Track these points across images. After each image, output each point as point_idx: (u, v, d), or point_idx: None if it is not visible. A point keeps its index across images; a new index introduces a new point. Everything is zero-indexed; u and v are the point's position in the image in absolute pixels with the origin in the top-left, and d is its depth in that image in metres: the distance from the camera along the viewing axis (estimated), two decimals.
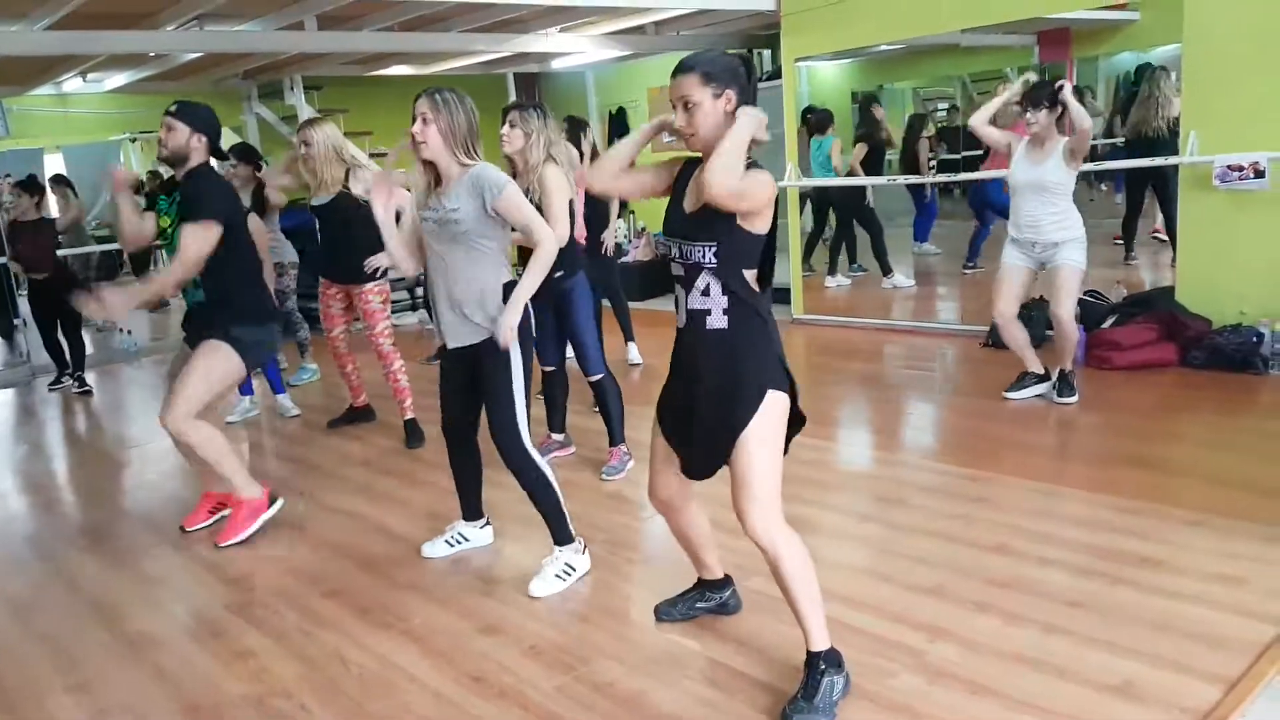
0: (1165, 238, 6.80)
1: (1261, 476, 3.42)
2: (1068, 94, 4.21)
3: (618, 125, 9.56)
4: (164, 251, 3.64)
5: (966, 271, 7.71)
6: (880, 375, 5.61)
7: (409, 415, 4.74)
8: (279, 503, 3.68)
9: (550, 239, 2.86)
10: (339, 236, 4.63)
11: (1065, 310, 4.36)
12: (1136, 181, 6.68)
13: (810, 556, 2.26)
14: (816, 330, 6.70)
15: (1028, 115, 4.30)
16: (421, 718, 2.35)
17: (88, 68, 7.10)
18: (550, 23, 7.01)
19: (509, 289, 2.90)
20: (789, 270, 6.92)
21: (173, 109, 3.40)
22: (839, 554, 3.11)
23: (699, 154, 2.27)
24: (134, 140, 14.26)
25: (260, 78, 8.43)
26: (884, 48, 7.24)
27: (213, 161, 3.50)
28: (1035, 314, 5.31)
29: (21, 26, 5.52)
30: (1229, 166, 4.80)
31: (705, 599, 2.74)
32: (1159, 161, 5.58)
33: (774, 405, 2.24)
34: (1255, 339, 4.68)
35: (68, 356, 6.63)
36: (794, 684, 2.33)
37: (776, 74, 7.34)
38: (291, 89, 8.07)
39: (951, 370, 5.43)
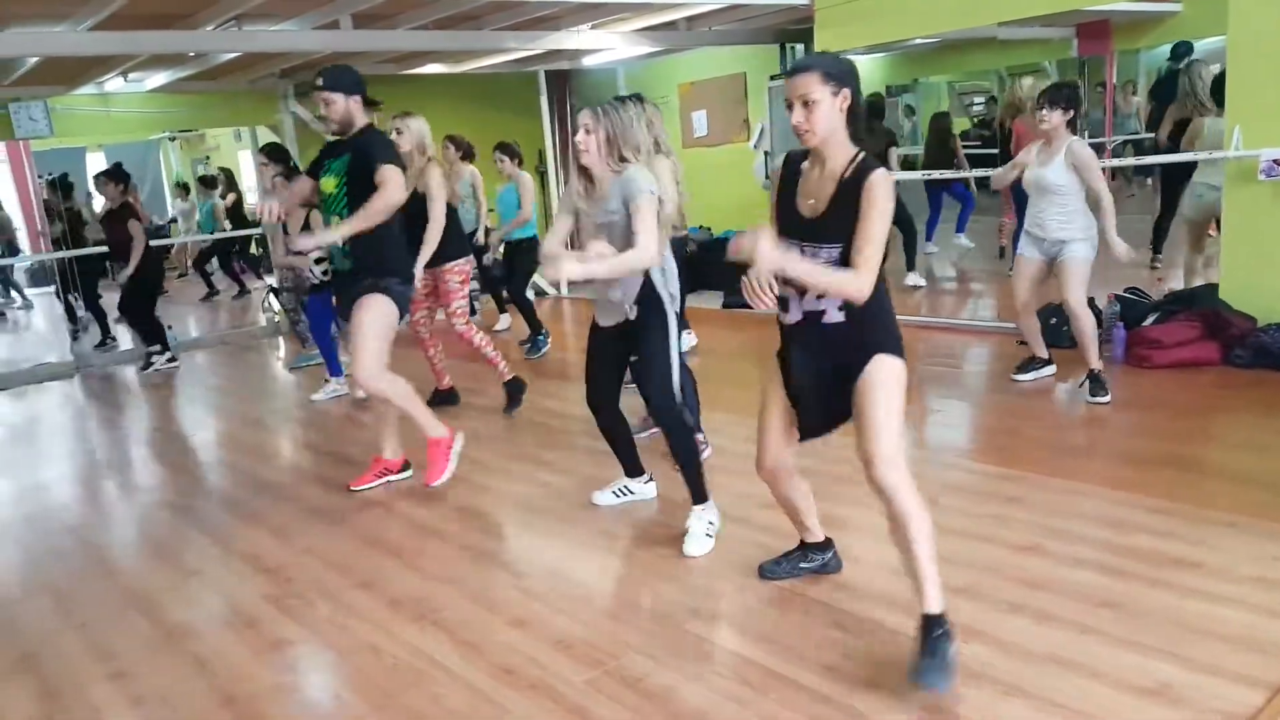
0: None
1: None
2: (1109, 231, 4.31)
3: None
4: (325, 215, 3.80)
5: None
6: (913, 373, 5.55)
7: (507, 377, 5.08)
8: (461, 436, 3.93)
9: (648, 258, 3.00)
10: (420, 225, 4.79)
11: (1075, 297, 4.37)
12: (1171, 182, 6.52)
13: (930, 520, 2.32)
14: None
15: (1041, 113, 4.32)
16: (452, 709, 2.38)
17: (129, 67, 7.23)
18: (582, 20, 7.03)
19: (661, 269, 3.14)
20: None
21: (319, 82, 3.58)
22: (871, 554, 3.08)
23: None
24: (173, 139, 14.52)
25: (296, 76, 8.52)
26: (919, 41, 7.17)
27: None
28: (1055, 320, 5.25)
29: (65, 27, 5.64)
30: (1275, 160, 4.69)
31: (808, 559, 2.90)
32: (1203, 156, 5.47)
33: (889, 364, 2.37)
34: None
35: (139, 336, 7.16)
36: (826, 684, 2.32)
37: None
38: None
39: (986, 368, 5.36)
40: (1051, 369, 4.81)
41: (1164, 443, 3.89)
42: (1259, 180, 4.76)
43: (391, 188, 3.51)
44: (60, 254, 8.41)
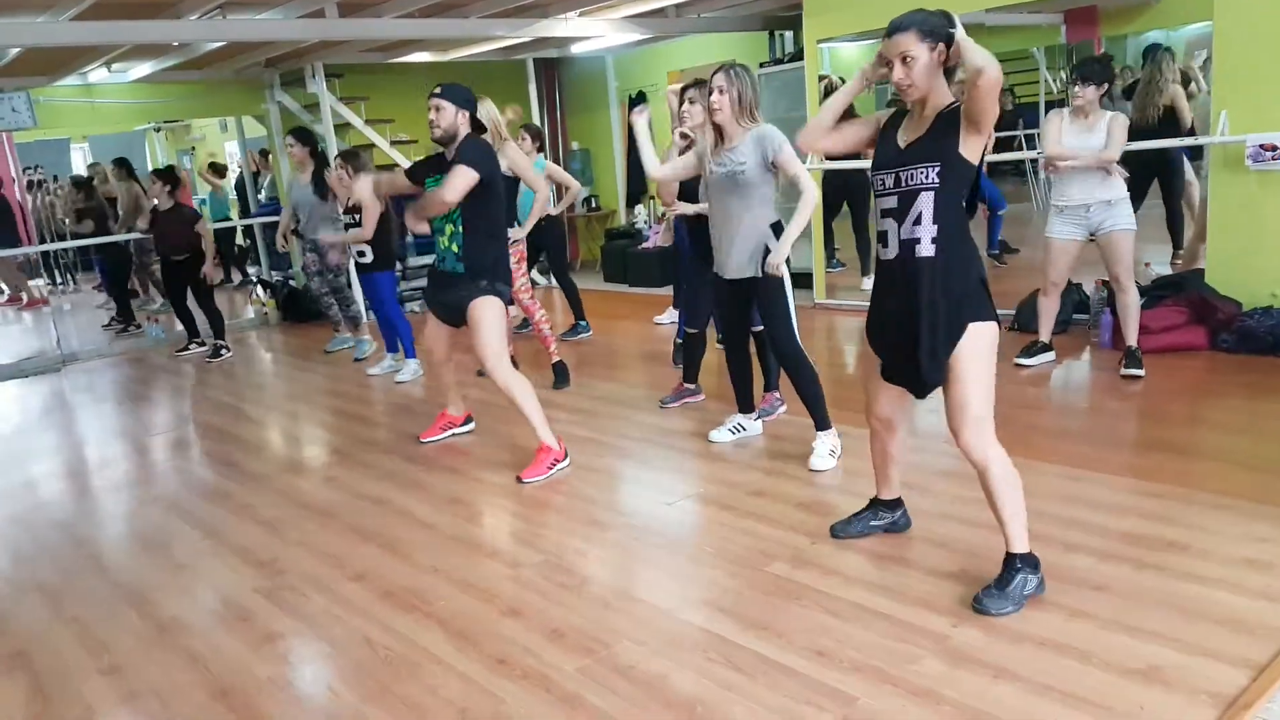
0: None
1: None
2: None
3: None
4: (436, 224, 3.93)
5: (1000, 265, 7.55)
6: None
7: (556, 359, 5.35)
8: (568, 460, 3.99)
9: (813, 193, 3.53)
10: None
11: (1126, 276, 4.49)
12: (1139, 172, 6.50)
13: (1018, 476, 2.54)
14: (838, 316, 6.67)
15: (1075, 89, 4.43)
16: (447, 699, 2.38)
17: (112, 58, 7.16)
18: (570, 7, 6.99)
19: (777, 228, 3.58)
20: (810, 255, 6.88)
21: (438, 90, 3.76)
22: (863, 541, 3.10)
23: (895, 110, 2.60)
24: (158, 130, 14.41)
25: (282, 66, 8.47)
26: None
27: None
28: (1062, 298, 5.25)
29: (47, 18, 5.58)
30: (1262, 146, 4.71)
31: (878, 517, 3.05)
32: (1189, 141, 5.48)
33: (981, 333, 2.48)
34: None
35: (200, 325, 7.30)
36: (817, 669, 2.34)
37: (799, 55, 7.28)
38: (313, 76, 8.11)
39: None
40: (1051, 355, 4.88)
41: (1153, 427, 3.92)
42: (1245, 165, 4.78)
43: (449, 185, 3.65)
44: (78, 243, 8.39)
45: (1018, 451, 3.64)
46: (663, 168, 3.80)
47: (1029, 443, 3.79)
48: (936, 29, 2.40)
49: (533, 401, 3.89)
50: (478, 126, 3.87)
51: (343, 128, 8.64)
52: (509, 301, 3.98)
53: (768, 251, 3.56)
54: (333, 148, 8.10)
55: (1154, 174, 6.44)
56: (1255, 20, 4.70)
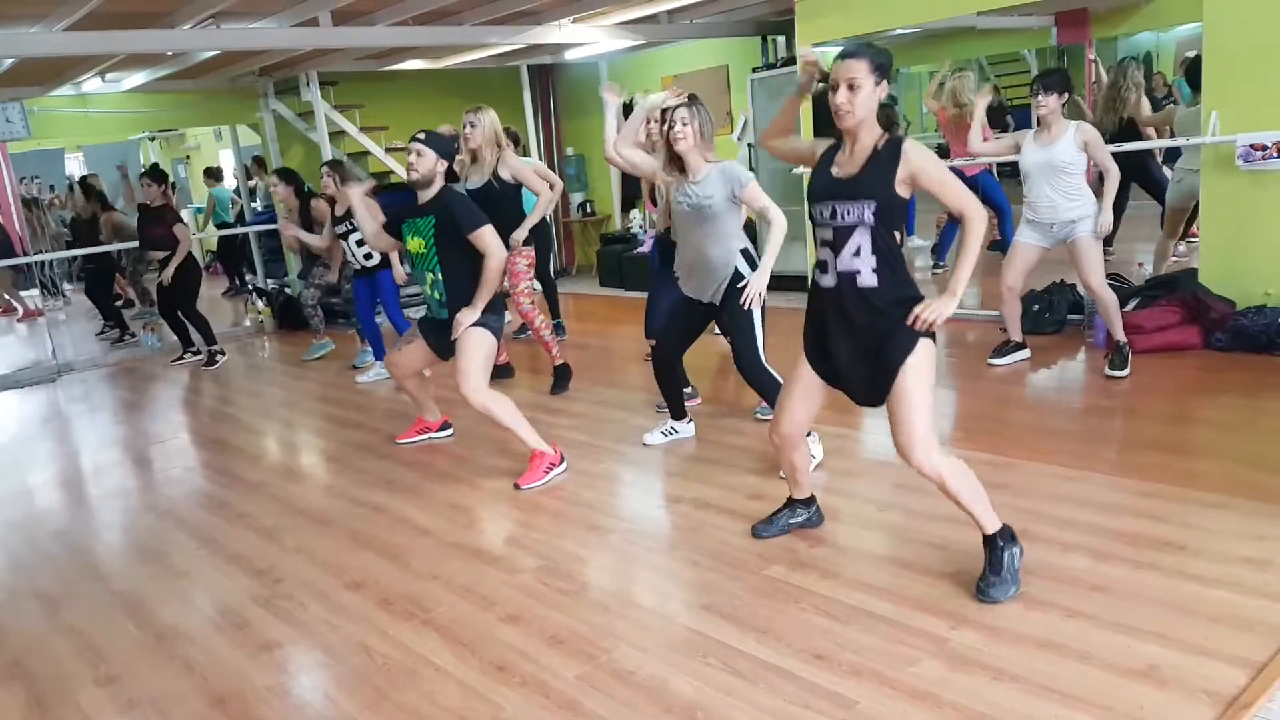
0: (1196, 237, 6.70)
1: None
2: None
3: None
4: (416, 270, 4.08)
5: (938, 272, 7.60)
6: None
7: (559, 361, 5.38)
8: (565, 465, 4.01)
9: (781, 219, 3.65)
10: (492, 215, 4.98)
11: (1096, 280, 4.53)
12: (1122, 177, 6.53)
13: (966, 466, 2.63)
14: None
15: (1038, 99, 4.47)
16: (445, 707, 2.37)
17: (106, 68, 7.17)
18: (563, 14, 7.00)
19: (746, 254, 3.76)
20: (805, 258, 6.89)
21: (421, 136, 3.88)
22: (860, 542, 3.11)
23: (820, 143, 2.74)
24: (153, 139, 14.40)
25: (276, 74, 8.47)
26: (899, 32, 7.17)
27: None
28: (1056, 298, 5.28)
29: (40, 28, 5.58)
30: (1252, 146, 4.73)
31: (795, 514, 3.16)
32: (1180, 142, 5.50)
33: (923, 351, 2.57)
34: None
35: (193, 333, 7.30)
36: (816, 672, 2.34)
37: (791, 60, 7.31)
38: (307, 85, 8.11)
39: (969, 356, 5.39)
40: (1025, 353, 4.93)
41: (1148, 426, 3.93)
42: (1236, 166, 4.80)
43: (495, 248, 3.83)
44: (63, 254, 8.38)
45: (1013, 452, 3.69)
46: (623, 150, 3.91)
47: (1024, 443, 3.80)
48: (885, 67, 2.53)
49: (514, 416, 3.92)
50: (450, 175, 4.01)
51: (337, 135, 8.65)
52: (499, 332, 4.01)
53: (736, 274, 3.72)
54: (327, 156, 8.11)
55: (1130, 179, 6.47)
56: (1245, 21, 4.72)
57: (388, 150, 8.75)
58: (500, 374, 5.46)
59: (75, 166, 13.43)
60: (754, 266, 3.74)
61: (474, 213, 3.89)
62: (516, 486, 3.86)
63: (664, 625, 2.68)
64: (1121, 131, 6.10)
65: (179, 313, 7.15)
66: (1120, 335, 4.60)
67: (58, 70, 7.18)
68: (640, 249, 8.87)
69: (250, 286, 9.80)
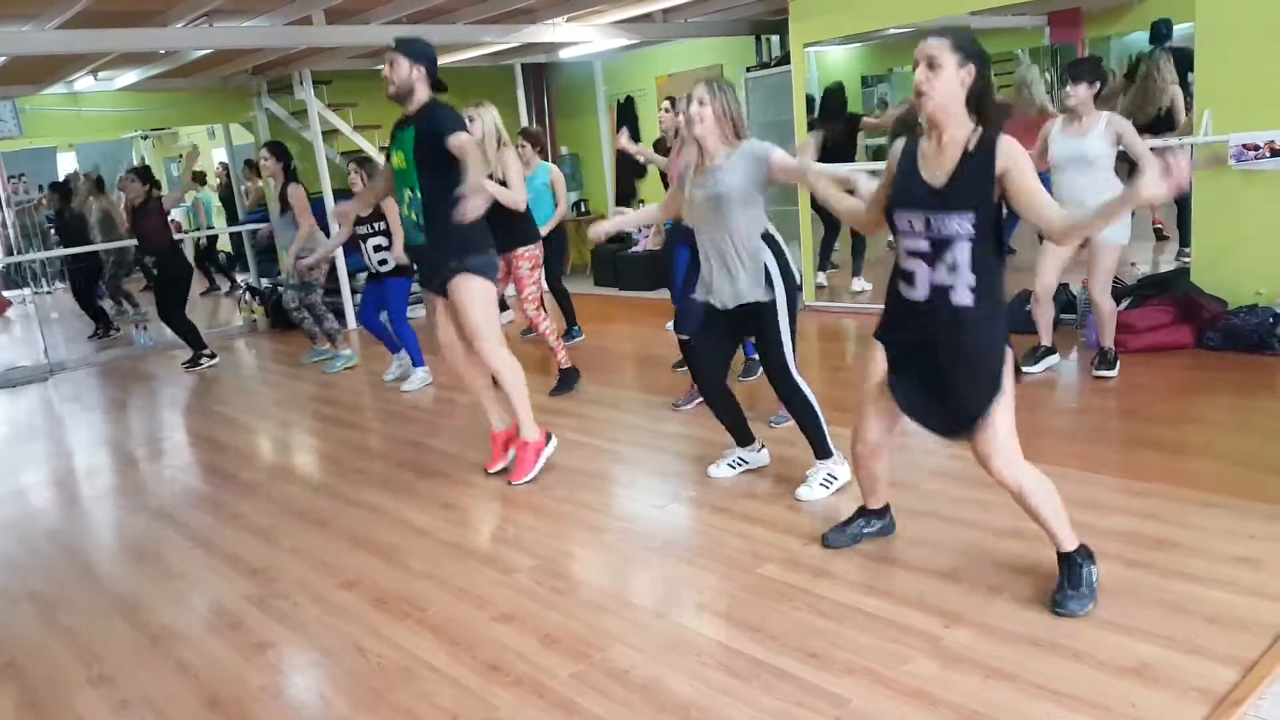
0: (1163, 229, 6.72)
1: (1278, 457, 3.40)
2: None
3: (625, 114, 9.54)
4: (398, 187, 3.71)
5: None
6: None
7: (565, 365, 5.26)
8: (554, 442, 3.92)
9: (822, 171, 3.07)
10: (493, 210, 4.88)
11: (1099, 287, 4.45)
12: (1133, 170, 6.54)
13: (1048, 481, 2.51)
14: (828, 317, 6.69)
15: (1067, 89, 4.34)
16: (440, 707, 2.37)
17: (98, 66, 7.14)
18: (557, 12, 7.00)
19: (769, 240, 3.32)
20: (799, 256, 6.90)
21: (393, 44, 3.57)
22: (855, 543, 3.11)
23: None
24: (145, 137, 14.36)
25: (269, 73, 8.45)
26: (893, 31, 7.19)
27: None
28: (1027, 309, 5.25)
29: (32, 27, 5.56)
30: (1244, 145, 4.75)
31: (870, 524, 3.02)
32: (1173, 141, 5.51)
33: (1008, 378, 2.41)
34: (1272, 320, 4.64)
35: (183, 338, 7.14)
36: (811, 671, 2.34)
37: (785, 60, 7.31)
38: (300, 83, 8.10)
39: None
40: (1056, 358, 4.78)
41: (1141, 425, 3.94)
42: (1229, 165, 4.82)
43: (473, 155, 3.41)
44: (52, 253, 8.37)
45: None
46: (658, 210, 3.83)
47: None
48: (968, 48, 2.32)
49: (522, 389, 3.77)
50: (439, 86, 3.64)
51: (331, 134, 8.63)
52: (494, 273, 3.73)
53: (768, 272, 3.31)
54: (321, 154, 8.09)
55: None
56: (1237, 20, 4.74)
57: (381, 149, 8.74)
58: (571, 380, 5.33)
59: (69, 165, 13.38)
60: (782, 264, 3.33)
61: (458, 120, 3.54)
62: (510, 483, 3.85)
63: (659, 624, 2.68)
64: (1155, 127, 5.96)
65: (164, 318, 7.02)
66: (1108, 343, 4.55)
67: (50, 68, 7.16)
68: (634, 248, 8.88)
69: (243, 286, 9.78)
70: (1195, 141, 4.97)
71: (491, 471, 4.01)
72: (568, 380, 5.27)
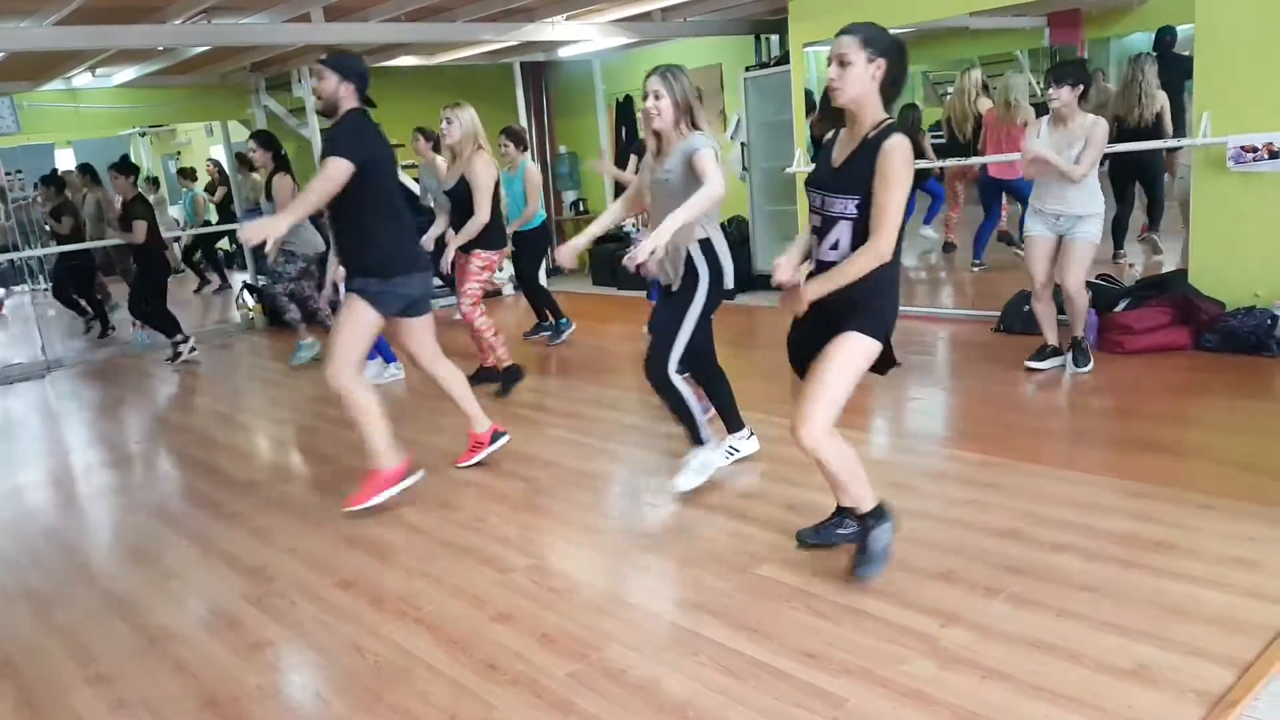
0: (1155, 238, 6.73)
1: (1275, 459, 3.41)
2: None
3: (624, 113, 9.53)
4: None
5: (975, 269, 7.59)
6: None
7: (489, 364, 5.30)
8: (417, 475, 3.78)
9: (717, 189, 3.16)
10: (462, 215, 5.10)
11: (1074, 281, 4.47)
12: (1122, 175, 6.53)
13: (850, 447, 2.64)
14: None
15: (1050, 91, 4.33)
16: (437, 706, 2.37)
17: (96, 62, 7.12)
18: (556, 11, 6.99)
19: (705, 244, 3.34)
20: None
21: (323, 58, 3.53)
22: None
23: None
24: (144, 135, 14.33)
25: (268, 70, 8.44)
26: (893, 31, 7.20)
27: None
28: (1027, 308, 5.24)
29: (30, 22, 5.54)
30: (1243, 148, 4.76)
31: (844, 525, 2.98)
32: (1171, 143, 5.53)
33: (850, 342, 2.54)
34: (1270, 321, 4.65)
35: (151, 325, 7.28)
36: (808, 671, 2.34)
37: (785, 59, 7.31)
38: (299, 81, 8.08)
39: (962, 356, 5.41)
40: (1063, 358, 4.74)
41: (1139, 426, 3.95)
42: (1227, 167, 4.82)
43: (320, 177, 3.33)
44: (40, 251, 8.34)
45: (1003, 453, 3.70)
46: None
47: (1015, 443, 3.81)
48: (878, 43, 2.45)
49: (370, 418, 3.58)
50: (369, 101, 3.57)
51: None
52: (387, 303, 3.56)
53: (690, 262, 3.33)
54: (319, 152, 8.08)
55: (1135, 177, 6.49)
56: (1236, 22, 4.74)
57: None
58: (486, 378, 5.35)
59: (67, 161, 13.35)
60: (710, 258, 3.33)
61: (347, 140, 3.38)
62: (344, 508, 3.67)
63: (655, 624, 2.68)
64: (1143, 131, 5.99)
65: (134, 310, 7.05)
66: (1078, 332, 4.61)
67: (48, 65, 7.14)
68: (631, 249, 8.86)
69: (242, 283, 9.76)
70: (1193, 144, 4.98)
71: (459, 466, 4.12)
72: (511, 376, 5.28)
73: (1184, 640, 2.32)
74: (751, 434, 3.88)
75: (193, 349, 7.23)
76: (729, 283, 3.42)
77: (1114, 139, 6.10)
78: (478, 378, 5.37)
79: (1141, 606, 2.49)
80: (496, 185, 5.15)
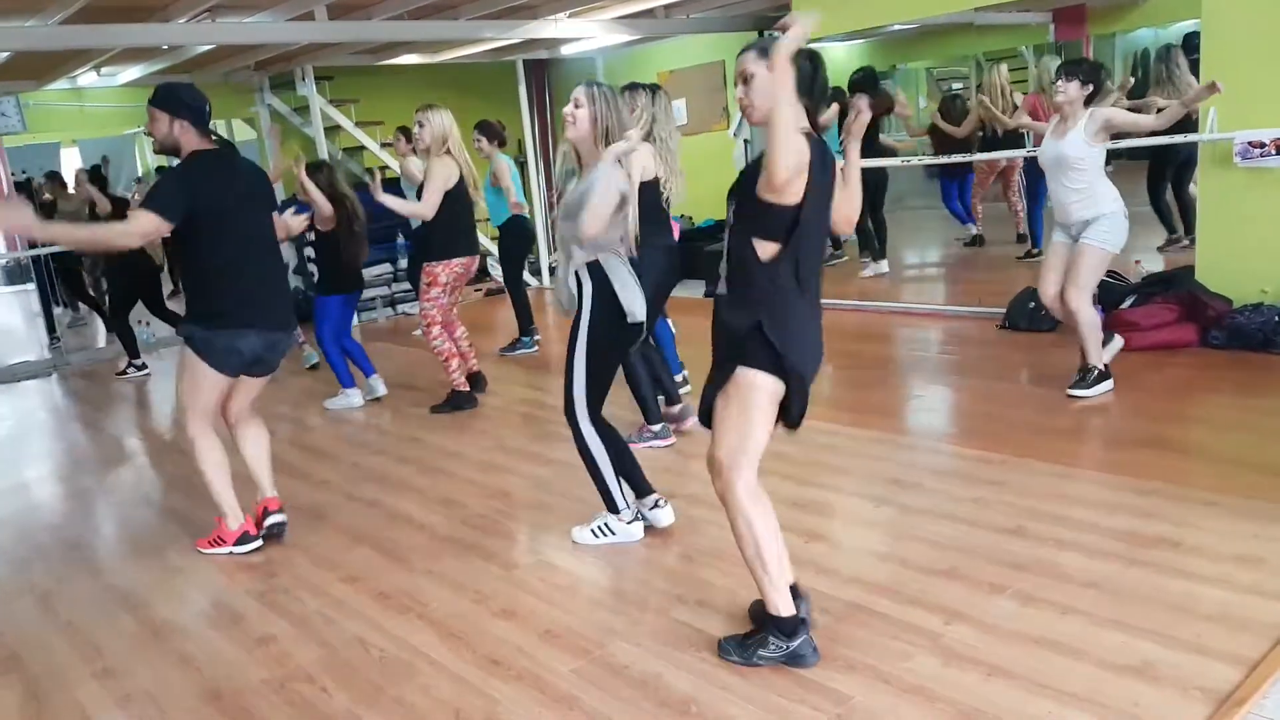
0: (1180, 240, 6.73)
1: None
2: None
3: None
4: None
5: (1035, 256, 7.40)
6: (895, 358, 5.59)
7: (460, 386, 5.05)
8: (253, 545, 3.45)
9: (585, 230, 2.86)
10: (437, 215, 4.81)
11: (1073, 294, 4.12)
12: (1156, 166, 6.54)
13: (768, 528, 2.32)
14: (830, 314, 6.65)
15: (1057, 84, 4.16)
16: (441, 700, 2.38)
17: (101, 62, 7.14)
18: (559, 8, 6.99)
19: (593, 268, 2.97)
20: None
21: (152, 97, 3.22)
22: (854, 538, 3.11)
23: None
24: (148, 133, 14.34)
25: (272, 69, 8.45)
26: (897, 27, 7.18)
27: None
28: (1034, 305, 5.19)
29: (36, 21, 5.56)
30: (1250, 143, 4.73)
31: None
32: (1178, 139, 5.50)
33: (744, 380, 2.27)
34: (1277, 318, 4.63)
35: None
36: (810, 670, 2.34)
37: None
38: (303, 79, 8.09)
39: (966, 353, 5.40)
40: (1109, 384, 4.30)
41: (1144, 424, 3.93)
42: (1234, 163, 4.80)
43: (122, 228, 3.18)
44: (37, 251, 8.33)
45: (1008, 450, 3.69)
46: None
47: (1019, 441, 3.80)
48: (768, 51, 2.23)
49: (216, 470, 3.37)
50: (207, 134, 3.23)
51: (333, 130, 8.63)
52: (211, 351, 3.22)
53: (580, 285, 3.02)
54: (323, 150, 8.09)
55: (1168, 165, 6.47)
56: (1243, 18, 4.72)
57: (383, 145, 8.74)
58: (457, 402, 5.08)
59: (72, 160, 13.39)
60: (603, 288, 2.97)
61: (167, 191, 3.12)
62: (196, 547, 3.50)
63: (659, 620, 2.68)
64: (1190, 125, 5.98)
65: (108, 315, 6.83)
66: (1094, 360, 4.22)
67: (53, 64, 7.16)
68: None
69: None
70: (1200, 139, 4.96)
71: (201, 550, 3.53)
72: (455, 402, 5.03)
73: (1188, 638, 2.31)
74: (654, 508, 3.29)
75: (141, 369, 6.90)
76: (631, 315, 2.97)
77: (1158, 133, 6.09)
78: (450, 403, 5.10)
79: (1146, 604, 2.49)
80: (459, 190, 4.82)
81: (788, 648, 2.33)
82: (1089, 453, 3.68)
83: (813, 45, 2.41)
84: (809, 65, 2.28)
